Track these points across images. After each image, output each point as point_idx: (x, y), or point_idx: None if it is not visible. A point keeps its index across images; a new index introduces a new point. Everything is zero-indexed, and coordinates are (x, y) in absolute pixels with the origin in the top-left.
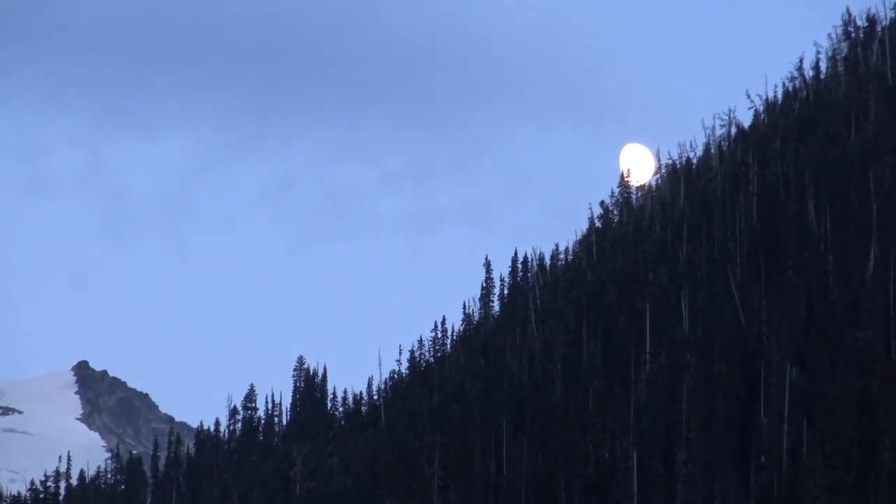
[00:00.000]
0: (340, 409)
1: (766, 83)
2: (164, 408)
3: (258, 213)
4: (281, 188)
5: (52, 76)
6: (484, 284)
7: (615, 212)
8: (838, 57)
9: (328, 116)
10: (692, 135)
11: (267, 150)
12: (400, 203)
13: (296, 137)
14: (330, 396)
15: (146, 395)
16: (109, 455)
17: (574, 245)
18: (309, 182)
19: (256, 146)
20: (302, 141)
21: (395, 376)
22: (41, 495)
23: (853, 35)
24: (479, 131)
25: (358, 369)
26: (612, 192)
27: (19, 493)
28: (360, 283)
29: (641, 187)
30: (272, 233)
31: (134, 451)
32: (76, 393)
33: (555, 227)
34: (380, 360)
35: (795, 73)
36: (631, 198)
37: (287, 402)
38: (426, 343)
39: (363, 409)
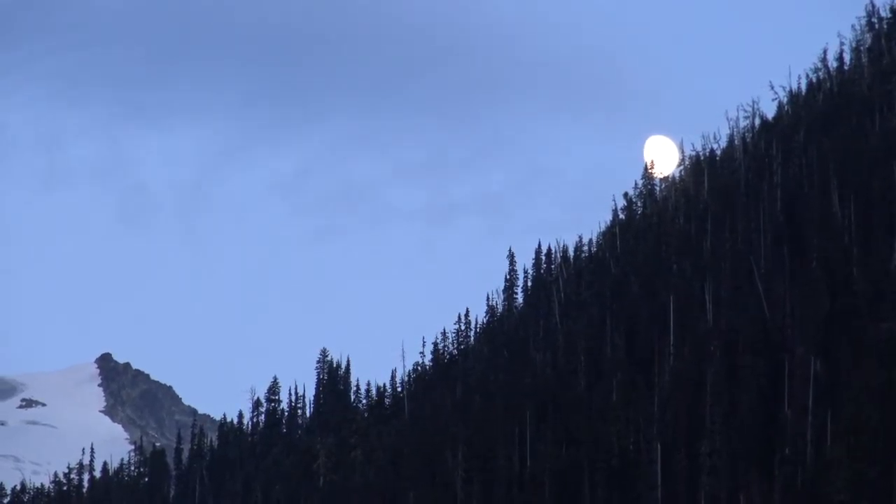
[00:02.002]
0: (364, 401)
1: (789, 74)
2: (188, 400)
3: (274, 204)
4: (297, 179)
5: (67, 68)
6: (507, 277)
7: (639, 204)
8: (862, 48)
9: (344, 108)
10: (716, 126)
11: (283, 142)
12: (415, 195)
13: (311, 129)
14: (353, 389)
15: (169, 387)
16: (132, 448)
17: (598, 237)
18: (324, 173)
19: (272, 137)
20: (317, 132)
21: (419, 368)
22: (64, 488)
23: (877, 26)
24: (496, 123)
25: (381, 361)
26: (636, 184)
27: (42, 486)
28: (377, 275)
29: (665, 179)
30: (288, 224)
31: (157, 444)
32: (99, 385)
33: (573, 220)
34: (403, 352)
35: (819, 65)
36: (654, 190)
37: (310, 394)
38: (449, 335)
39: (386, 401)
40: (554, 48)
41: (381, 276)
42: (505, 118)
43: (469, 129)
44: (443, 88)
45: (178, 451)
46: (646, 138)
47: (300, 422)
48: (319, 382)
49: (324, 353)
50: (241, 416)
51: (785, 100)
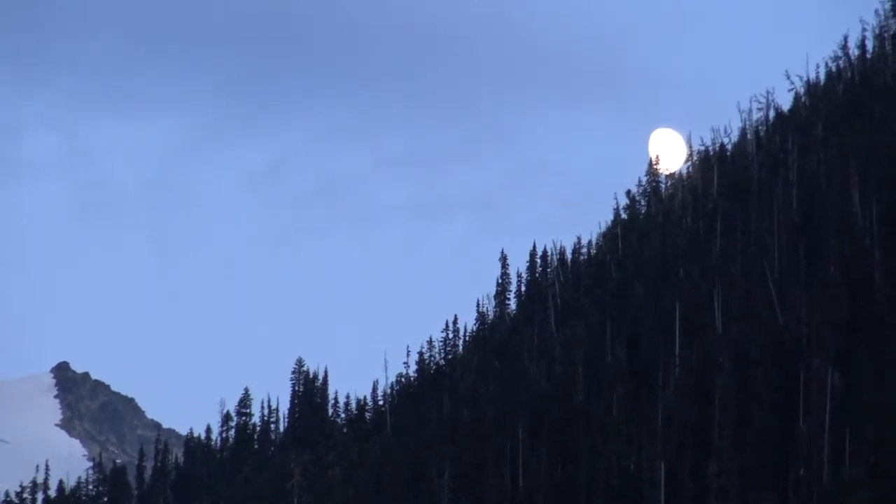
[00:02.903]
0: (342, 415)
1: (807, 63)
2: (151, 413)
3: (248, 200)
4: (272, 174)
5: (23, 52)
6: (500, 280)
7: (643, 202)
8: (886, 35)
9: (323, 96)
10: (727, 119)
11: (257, 133)
12: (400, 191)
13: (288, 119)
14: (331, 401)
15: (131, 399)
16: (91, 464)
17: (597, 238)
18: (302, 167)
19: (246, 128)
20: (294, 123)
21: (403, 380)
22: None
23: None
24: (488, 113)
25: (362, 372)
26: (640, 181)
27: None
28: (359, 277)
29: (671, 175)
30: (263, 222)
31: (118, 461)
32: (56, 397)
33: (573, 218)
34: (385, 362)
35: (839, 52)
36: (660, 187)
37: (284, 407)
38: (436, 344)
39: (367, 415)
40: (551, 34)
41: (363, 279)
42: (498, 108)
43: (458, 119)
44: (430, 76)
45: (141, 468)
46: (651, 131)
47: (273, 437)
48: (294, 394)
49: (299, 362)
50: (209, 430)
51: (802, 90)
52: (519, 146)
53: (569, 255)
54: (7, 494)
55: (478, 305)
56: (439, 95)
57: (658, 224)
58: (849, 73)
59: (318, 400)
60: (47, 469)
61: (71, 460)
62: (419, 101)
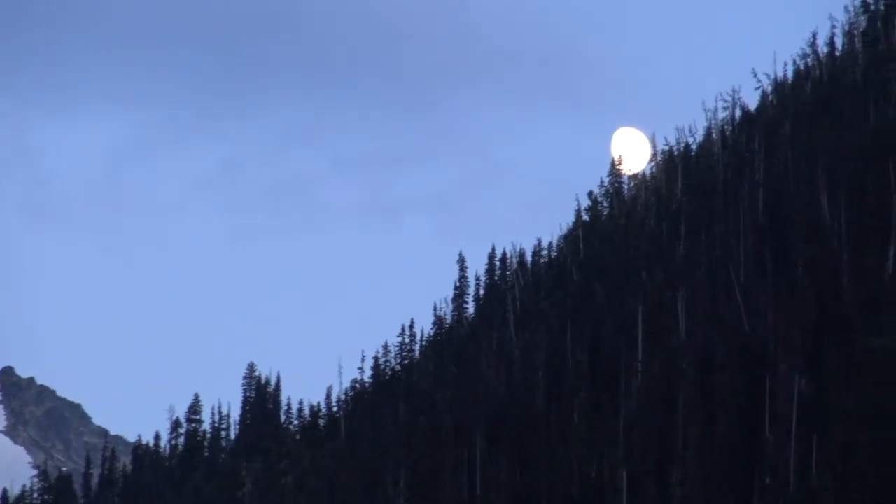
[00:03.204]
0: (295, 421)
1: (774, 61)
2: (98, 420)
3: (198, 202)
4: (223, 175)
5: None
6: (457, 284)
7: (605, 204)
8: (855, 32)
9: (277, 96)
10: (691, 118)
11: (209, 132)
12: (355, 192)
13: (241, 118)
14: (283, 408)
15: (77, 405)
16: (36, 472)
17: (558, 240)
18: (254, 168)
19: (197, 127)
20: (248, 122)
21: (357, 386)
22: None
23: (873, 7)
24: (446, 112)
25: (315, 377)
26: (602, 182)
27: None
28: (314, 281)
29: (634, 176)
30: (214, 224)
31: (63, 468)
32: None
33: (533, 220)
34: (340, 367)
35: (808, 50)
36: (623, 188)
37: (235, 413)
38: (392, 349)
39: (321, 422)
40: (511, 31)
41: (317, 282)
42: (455, 107)
43: (416, 118)
44: (387, 75)
45: (87, 476)
46: (613, 131)
47: (224, 444)
48: (246, 401)
49: (251, 367)
50: (157, 437)
51: (769, 89)
52: (477, 146)
53: (528, 258)
54: None
55: (435, 309)
56: (396, 94)
57: (620, 226)
58: (817, 72)
59: (271, 406)
60: None
61: (15, 468)
62: (377, 101)
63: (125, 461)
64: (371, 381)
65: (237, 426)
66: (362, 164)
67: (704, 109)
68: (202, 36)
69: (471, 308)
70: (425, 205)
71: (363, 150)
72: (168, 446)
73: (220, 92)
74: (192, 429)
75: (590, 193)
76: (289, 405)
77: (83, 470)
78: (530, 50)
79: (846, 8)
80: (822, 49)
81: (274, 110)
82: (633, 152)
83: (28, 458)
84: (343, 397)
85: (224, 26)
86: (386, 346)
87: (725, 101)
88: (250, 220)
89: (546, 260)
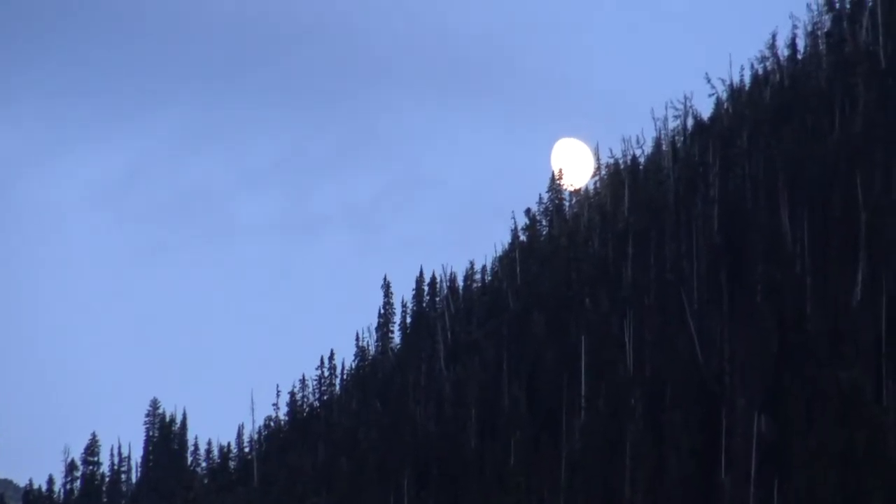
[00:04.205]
0: (203, 463)
1: (730, 64)
2: None
3: (95, 215)
4: (122, 185)
5: None
6: (382, 311)
7: (544, 222)
8: (819, 32)
9: (181, 98)
10: (639, 128)
11: (103, 139)
12: (267, 204)
13: (141, 123)
14: (190, 448)
15: None
16: None
17: (493, 263)
18: (155, 178)
19: (92, 134)
20: (146, 128)
21: (272, 424)
22: None
23: (838, 6)
24: (367, 117)
25: (225, 414)
26: (541, 198)
27: None
28: (222, 305)
29: (577, 192)
30: (112, 240)
31: None
32: None
33: (465, 240)
34: (252, 403)
35: (767, 53)
36: (564, 205)
37: (137, 454)
38: (310, 383)
39: (231, 464)
40: (438, 29)
41: (226, 307)
42: (378, 111)
43: (334, 124)
44: (302, 74)
45: None
46: (554, 141)
47: (125, 489)
48: (149, 440)
49: (154, 403)
50: (51, 481)
51: (724, 96)
52: (402, 155)
53: (460, 283)
54: None
55: (357, 339)
56: (313, 98)
57: (561, 247)
58: (777, 76)
59: (176, 446)
60: None
61: None
62: (290, 104)
63: None
64: (287, 418)
65: (139, 468)
66: (276, 175)
67: (653, 118)
68: (97, 34)
69: (397, 338)
70: (345, 220)
71: (275, 157)
72: (63, 491)
73: (114, 94)
74: (89, 471)
75: (527, 211)
76: (196, 445)
77: None
78: (462, 51)
79: (808, 6)
80: (783, 51)
81: (177, 114)
82: (575, 165)
83: None
84: (256, 436)
85: (122, 24)
86: (303, 380)
87: (676, 109)
88: (152, 235)
89: (479, 285)
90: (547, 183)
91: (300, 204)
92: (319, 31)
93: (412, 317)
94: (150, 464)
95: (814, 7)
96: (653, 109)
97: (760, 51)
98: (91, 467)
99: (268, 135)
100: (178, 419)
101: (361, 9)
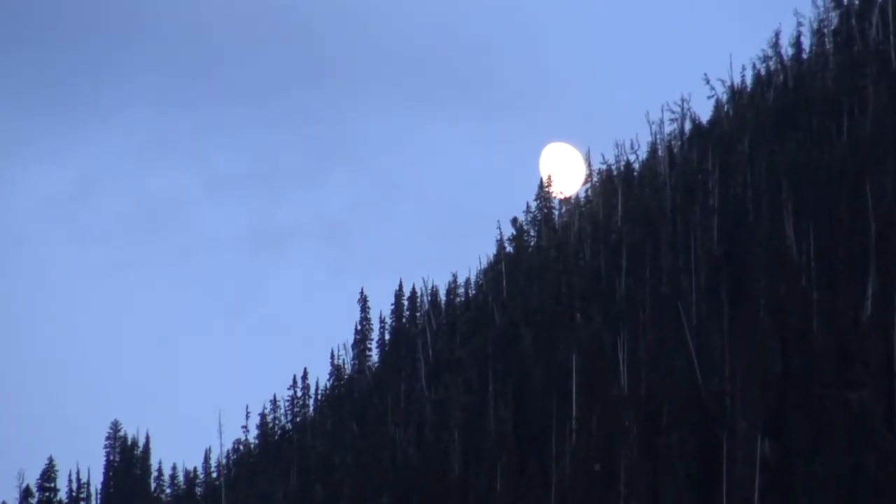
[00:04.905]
0: (168, 489)
1: (730, 64)
2: None
3: (49, 229)
4: (78, 197)
5: None
6: (358, 327)
7: (532, 232)
8: (826, 30)
9: (140, 104)
10: (633, 132)
11: (58, 149)
12: (234, 216)
13: (99, 130)
14: (154, 473)
15: None
16: None
17: (477, 276)
18: (114, 189)
19: (44, 143)
20: (104, 136)
21: (241, 447)
22: None
23: (846, 2)
24: (340, 124)
25: (191, 437)
26: (528, 207)
27: None
28: (187, 322)
29: (567, 200)
30: (67, 255)
31: None
32: None
33: (447, 252)
34: (220, 425)
35: (770, 52)
36: (553, 214)
37: (97, 480)
38: (282, 404)
39: (198, 490)
40: (415, 29)
41: (191, 323)
42: (352, 118)
43: (305, 131)
44: (269, 79)
45: None
46: (542, 146)
47: None
48: (109, 465)
49: (115, 426)
50: None
51: (724, 98)
52: (377, 164)
53: (442, 297)
54: None
55: (332, 357)
56: (282, 104)
57: (550, 259)
58: (781, 77)
59: (139, 471)
60: None
61: None
62: (258, 110)
63: None
64: (257, 441)
65: (99, 495)
66: (244, 185)
67: (648, 122)
68: (48, 34)
69: (374, 356)
70: (319, 233)
71: (242, 166)
72: None
73: (69, 100)
74: (45, 498)
75: (514, 220)
76: (160, 470)
77: None
78: (442, 52)
79: (814, 2)
80: (787, 50)
81: (136, 121)
82: (565, 172)
83: None
84: (224, 461)
85: (75, 24)
86: (274, 401)
87: (673, 112)
88: (112, 250)
89: (463, 299)
90: (535, 191)
91: (269, 215)
92: (289, 33)
93: (391, 333)
94: (111, 490)
95: (820, 3)
96: (648, 112)
97: (763, 50)
98: (47, 494)
99: (234, 142)
100: (141, 442)
101: (335, 11)
